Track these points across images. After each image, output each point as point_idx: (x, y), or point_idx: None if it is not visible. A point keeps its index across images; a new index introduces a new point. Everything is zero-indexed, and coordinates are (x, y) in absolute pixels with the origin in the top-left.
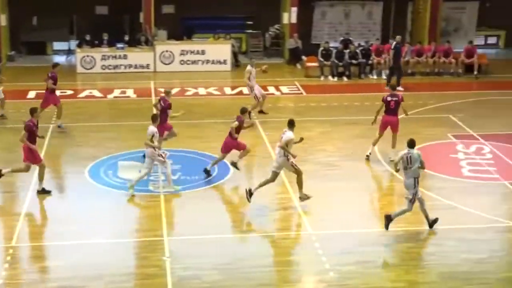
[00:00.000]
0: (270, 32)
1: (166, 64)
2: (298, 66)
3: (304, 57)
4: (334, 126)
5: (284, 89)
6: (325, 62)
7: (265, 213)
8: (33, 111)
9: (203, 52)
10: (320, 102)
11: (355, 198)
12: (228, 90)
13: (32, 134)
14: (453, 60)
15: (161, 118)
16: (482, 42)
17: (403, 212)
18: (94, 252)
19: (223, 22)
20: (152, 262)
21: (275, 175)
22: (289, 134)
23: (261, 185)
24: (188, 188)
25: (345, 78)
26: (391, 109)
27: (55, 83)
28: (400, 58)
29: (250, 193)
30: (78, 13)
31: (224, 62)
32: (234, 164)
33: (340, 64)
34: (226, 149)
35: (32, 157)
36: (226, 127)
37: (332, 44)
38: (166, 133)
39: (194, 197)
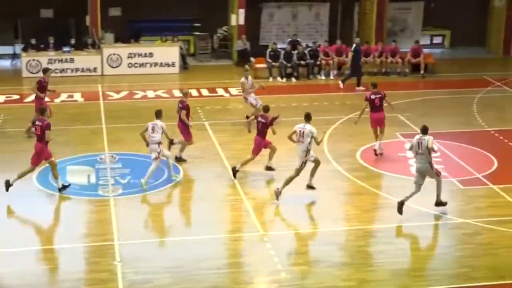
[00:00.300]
0: (218, 34)
1: (113, 67)
2: (247, 67)
3: (252, 59)
4: (283, 127)
5: (233, 90)
6: (274, 63)
7: (216, 215)
8: (43, 110)
9: (151, 55)
10: (269, 103)
11: (306, 198)
12: (177, 93)
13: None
14: (399, 60)
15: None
16: (428, 42)
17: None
18: (44, 258)
19: (170, 25)
20: (103, 267)
21: (315, 162)
22: (312, 128)
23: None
24: (138, 192)
25: (293, 79)
26: (376, 106)
27: (41, 89)
28: (360, 59)
29: (279, 193)
30: (22, 16)
31: (173, 64)
32: (268, 168)
33: (289, 65)
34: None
35: (36, 155)
36: (176, 129)
37: (280, 45)
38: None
39: (144, 200)
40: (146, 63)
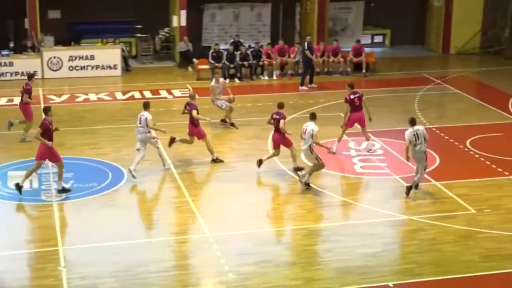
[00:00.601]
0: (160, 36)
1: (54, 70)
2: (190, 69)
3: (195, 60)
4: (228, 127)
5: (177, 92)
6: (216, 64)
7: (162, 218)
8: (47, 109)
9: (92, 58)
10: (212, 104)
11: (251, 198)
12: (119, 95)
13: (48, 132)
14: (341, 59)
15: (193, 121)
16: (369, 41)
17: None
18: None
19: (111, 27)
20: (48, 273)
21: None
22: (314, 127)
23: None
24: (81, 196)
25: (236, 80)
26: (357, 106)
27: (29, 96)
28: (312, 56)
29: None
30: None
31: (114, 67)
32: (297, 169)
33: (231, 66)
34: (275, 145)
35: (50, 155)
36: (119, 132)
37: (222, 46)
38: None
39: (87, 204)
40: (88, 66)
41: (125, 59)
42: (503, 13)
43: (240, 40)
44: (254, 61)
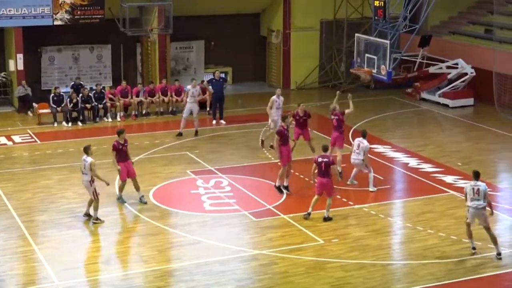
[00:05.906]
0: None
1: None
2: (30, 113)
3: (35, 104)
4: (73, 172)
5: (17, 138)
6: (58, 108)
7: (7, 269)
8: (120, 132)
9: None
10: (56, 148)
11: (100, 242)
12: None
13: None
14: (184, 99)
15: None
16: None
17: None
18: None
19: None
20: None
21: None
22: None
23: None
24: None
25: (79, 123)
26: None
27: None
28: (220, 90)
29: None
30: None
31: None
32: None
33: (73, 109)
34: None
35: None
36: None
37: (63, 89)
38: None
39: None
40: None
41: None
42: (339, 48)
43: (82, 82)
44: (97, 104)
